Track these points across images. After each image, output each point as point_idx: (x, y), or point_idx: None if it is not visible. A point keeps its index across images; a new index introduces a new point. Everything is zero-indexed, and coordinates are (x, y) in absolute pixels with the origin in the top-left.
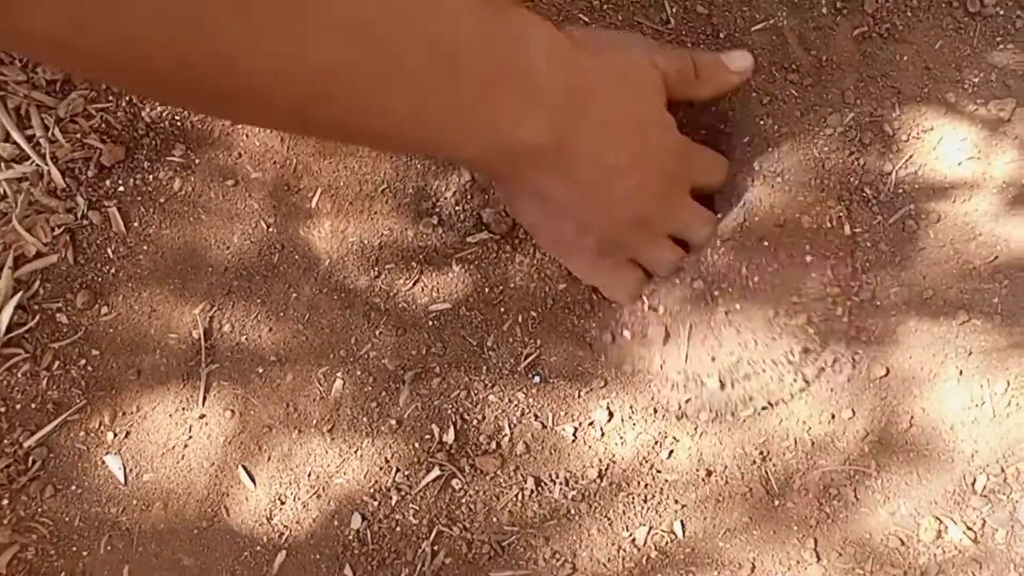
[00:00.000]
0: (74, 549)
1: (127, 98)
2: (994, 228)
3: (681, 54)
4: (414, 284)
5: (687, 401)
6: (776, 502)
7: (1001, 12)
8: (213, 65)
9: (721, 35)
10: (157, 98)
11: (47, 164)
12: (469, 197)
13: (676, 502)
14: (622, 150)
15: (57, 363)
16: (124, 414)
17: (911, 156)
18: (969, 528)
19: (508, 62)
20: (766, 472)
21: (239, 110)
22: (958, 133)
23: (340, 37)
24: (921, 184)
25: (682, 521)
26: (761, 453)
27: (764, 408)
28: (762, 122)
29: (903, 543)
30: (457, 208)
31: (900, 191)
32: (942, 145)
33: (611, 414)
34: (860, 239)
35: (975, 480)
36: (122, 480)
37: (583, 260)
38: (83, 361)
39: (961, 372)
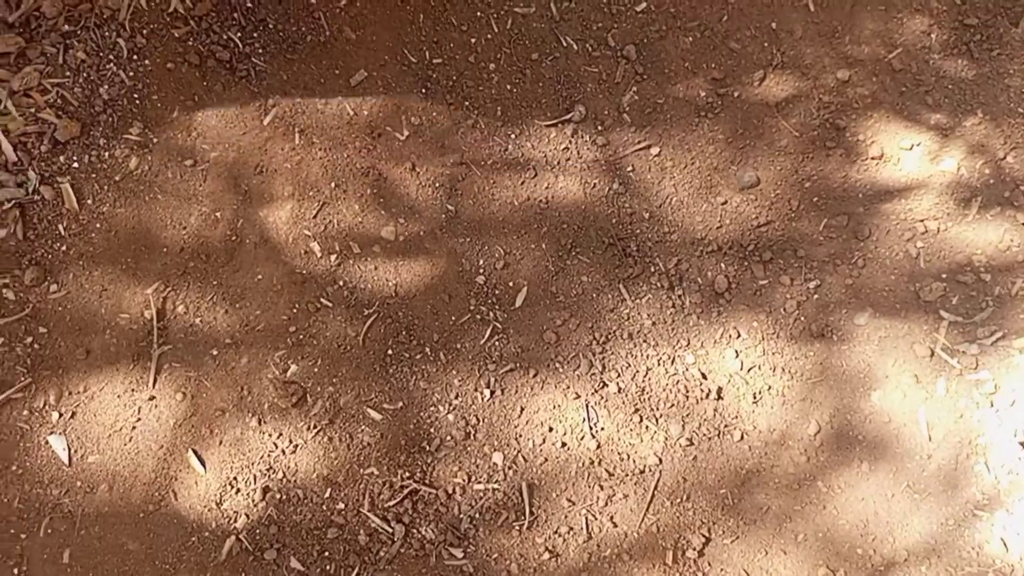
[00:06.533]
0: (12, 531)
1: (84, 74)
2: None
3: None
4: (375, 270)
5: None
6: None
7: None
8: None
9: None
10: None
11: None
12: (437, 189)
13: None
14: None
15: (2, 340)
16: (71, 394)
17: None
18: None
19: None
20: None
21: None
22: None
23: None
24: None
25: (634, 505)
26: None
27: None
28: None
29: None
30: (426, 199)
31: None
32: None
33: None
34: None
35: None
36: (66, 461)
37: None
38: (29, 339)
39: (916, 369)
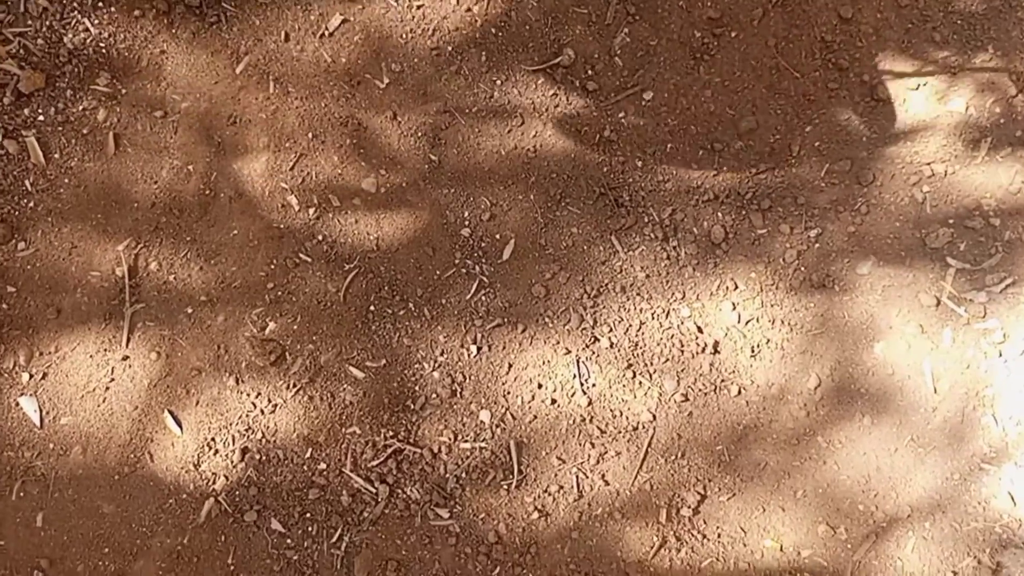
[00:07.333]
0: None
1: (48, 22)
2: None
3: None
4: (356, 223)
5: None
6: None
7: None
8: None
9: None
10: None
11: None
12: (419, 139)
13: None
14: None
15: None
16: (41, 354)
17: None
18: None
19: None
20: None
21: None
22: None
23: None
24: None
25: (635, 468)
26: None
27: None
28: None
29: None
30: (408, 149)
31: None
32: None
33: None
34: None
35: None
36: (38, 423)
37: None
38: None
39: (921, 319)
